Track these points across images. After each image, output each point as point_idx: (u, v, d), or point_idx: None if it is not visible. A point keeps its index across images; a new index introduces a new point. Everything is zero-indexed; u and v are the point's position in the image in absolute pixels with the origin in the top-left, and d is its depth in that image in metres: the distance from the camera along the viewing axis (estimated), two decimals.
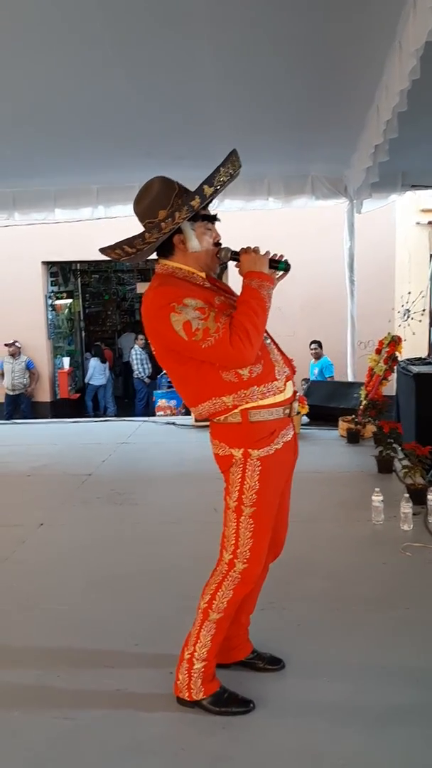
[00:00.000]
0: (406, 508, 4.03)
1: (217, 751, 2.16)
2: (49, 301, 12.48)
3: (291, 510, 4.36)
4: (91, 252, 12.38)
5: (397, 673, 2.55)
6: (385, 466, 5.32)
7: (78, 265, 14.10)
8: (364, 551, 3.80)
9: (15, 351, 11.76)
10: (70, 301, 13.84)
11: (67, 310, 13.65)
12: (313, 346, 10.21)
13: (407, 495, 4.13)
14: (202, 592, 2.31)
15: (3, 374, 11.87)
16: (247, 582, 2.26)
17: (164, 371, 2.85)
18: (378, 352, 6.65)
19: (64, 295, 13.49)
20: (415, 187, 7.99)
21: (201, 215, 2.24)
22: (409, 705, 2.37)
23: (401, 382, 7.17)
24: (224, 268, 11.09)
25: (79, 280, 14.69)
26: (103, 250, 2.31)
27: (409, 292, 11.66)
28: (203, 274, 2.28)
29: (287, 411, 2.28)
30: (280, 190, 8.19)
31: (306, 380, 9.29)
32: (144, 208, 2.22)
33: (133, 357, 12.74)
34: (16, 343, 11.79)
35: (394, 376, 6.87)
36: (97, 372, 12.91)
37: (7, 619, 3.11)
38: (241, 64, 5.34)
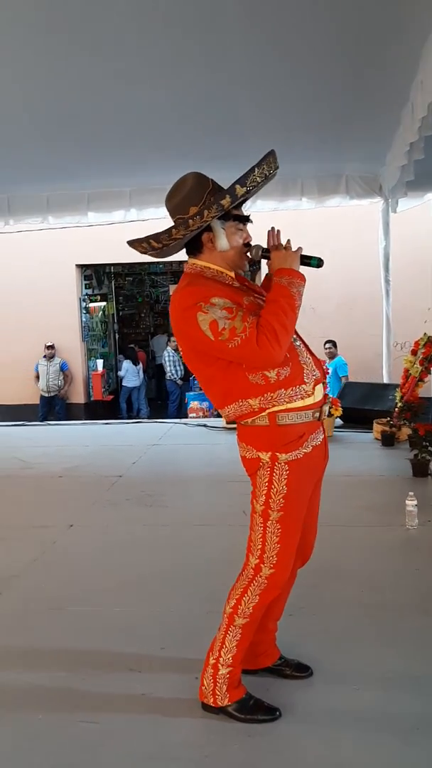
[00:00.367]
0: None
1: (241, 759, 2.12)
2: (83, 304, 12.57)
3: (322, 514, 4.28)
4: (124, 254, 12.42)
5: (429, 683, 2.47)
6: (420, 469, 5.21)
7: (112, 267, 14.18)
8: (397, 557, 3.72)
9: (50, 353, 11.90)
10: (103, 303, 13.93)
11: (101, 312, 13.74)
12: (327, 345, 10.08)
13: None
14: (228, 597, 2.27)
15: (38, 376, 12.00)
16: (274, 587, 2.22)
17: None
18: (414, 353, 6.54)
19: (98, 297, 13.58)
20: None
21: (233, 215, 2.20)
22: None
23: None
24: (257, 269, 11.04)
25: (113, 282, 14.77)
26: (130, 243, 2.28)
27: None
28: (232, 274, 2.25)
29: (317, 414, 2.22)
30: (313, 190, 8.11)
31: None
32: (176, 203, 2.19)
33: (166, 359, 12.76)
34: (53, 346, 11.94)
35: (430, 378, 6.74)
36: (129, 374, 12.96)
37: (35, 620, 3.11)
38: (272, 63, 5.30)
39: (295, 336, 2.21)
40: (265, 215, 8.83)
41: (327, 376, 8.85)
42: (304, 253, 2.25)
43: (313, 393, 2.20)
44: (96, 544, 4.09)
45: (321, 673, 2.53)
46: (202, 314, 2.08)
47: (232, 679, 2.26)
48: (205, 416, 9.87)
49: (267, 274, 2.33)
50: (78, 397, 12.53)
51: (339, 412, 6.95)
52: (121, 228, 9.86)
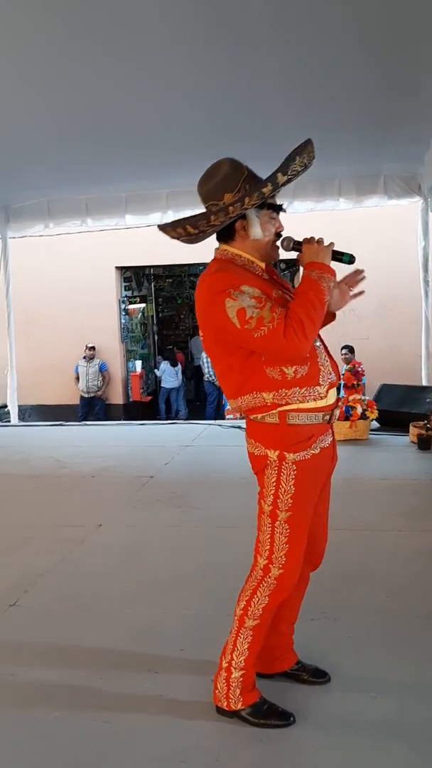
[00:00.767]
0: None
1: (252, 764, 2.10)
2: (123, 306, 12.68)
3: (350, 517, 4.25)
4: (164, 256, 12.54)
5: None
6: None
7: (152, 269, 14.28)
8: (427, 563, 3.64)
9: (90, 354, 12.05)
10: (143, 305, 14.03)
11: (140, 314, 13.84)
12: (344, 351, 9.83)
13: None
14: (237, 599, 2.26)
15: (78, 377, 12.16)
16: (283, 588, 2.20)
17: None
18: None
19: (137, 299, 13.67)
20: None
21: (267, 203, 2.18)
22: None
23: None
24: (296, 270, 10.98)
25: (152, 284, 14.86)
26: (163, 228, 2.26)
27: None
28: (263, 265, 2.23)
29: (327, 417, 2.20)
30: (351, 190, 8.04)
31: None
32: (210, 188, 2.17)
33: (204, 360, 12.77)
34: (94, 347, 12.09)
35: None
36: (168, 375, 13.02)
37: (58, 619, 3.14)
38: (306, 63, 5.26)
39: (316, 337, 2.18)
40: (302, 216, 8.79)
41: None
42: (336, 248, 2.23)
43: (326, 396, 2.18)
44: (123, 544, 4.11)
45: (338, 679, 2.49)
46: (230, 301, 2.06)
47: (245, 682, 2.24)
48: (242, 418, 9.85)
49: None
50: (117, 398, 12.64)
51: (375, 414, 6.87)
52: (156, 231, 9.97)
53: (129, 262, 12.51)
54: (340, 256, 2.24)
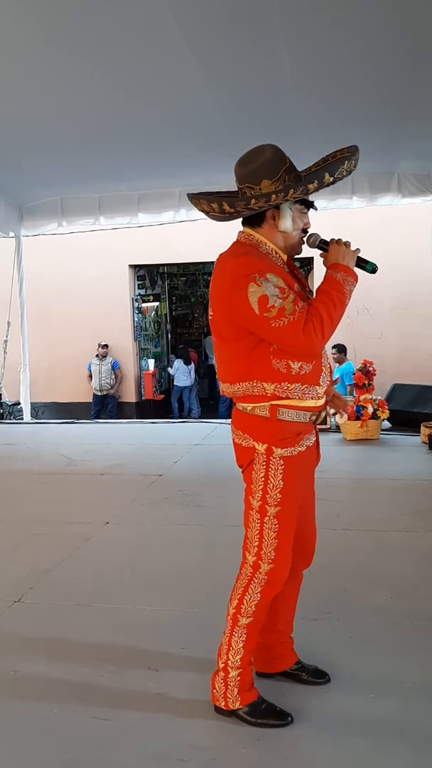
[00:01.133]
0: None
1: (248, 763, 2.09)
2: (136, 304, 12.70)
3: (359, 517, 4.23)
4: (177, 255, 12.52)
5: None
6: None
7: (165, 268, 14.29)
8: None
9: (103, 353, 12.08)
10: (156, 303, 14.04)
11: (153, 312, 13.86)
12: (333, 351, 9.71)
13: None
14: (230, 598, 2.25)
15: (91, 375, 12.20)
16: (274, 583, 2.19)
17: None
18: None
19: (151, 297, 13.69)
20: None
21: (300, 199, 2.17)
22: None
23: None
24: (310, 269, 10.93)
25: (166, 282, 14.87)
26: (194, 197, 2.25)
27: None
28: (285, 257, 2.22)
29: (313, 417, 2.22)
30: (364, 188, 7.98)
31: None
32: (249, 171, 2.16)
33: None
34: (107, 345, 12.13)
35: None
36: (181, 373, 13.03)
37: (61, 615, 3.14)
38: (321, 58, 5.24)
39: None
40: (315, 214, 8.75)
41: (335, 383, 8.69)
42: (361, 255, 2.23)
43: (321, 397, 2.21)
44: (129, 541, 4.12)
45: (339, 679, 2.48)
46: (254, 286, 2.05)
47: (242, 681, 2.23)
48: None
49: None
50: (130, 396, 12.67)
51: (386, 414, 6.83)
52: (174, 229, 9.97)
53: (143, 260, 12.53)
54: (363, 264, 2.24)
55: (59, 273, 12.01)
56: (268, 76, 5.55)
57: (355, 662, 2.61)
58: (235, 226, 2.33)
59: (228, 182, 2.42)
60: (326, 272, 2.17)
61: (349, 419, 6.70)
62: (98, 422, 9.34)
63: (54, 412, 11.86)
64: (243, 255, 2.15)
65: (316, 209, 2.26)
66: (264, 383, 2.13)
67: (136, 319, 12.68)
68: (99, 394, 12.20)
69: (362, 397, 6.77)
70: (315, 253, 2.30)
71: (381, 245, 10.77)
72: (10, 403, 10.11)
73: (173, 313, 15.43)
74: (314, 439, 2.27)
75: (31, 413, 9.78)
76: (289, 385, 2.13)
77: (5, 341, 9.52)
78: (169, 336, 15.02)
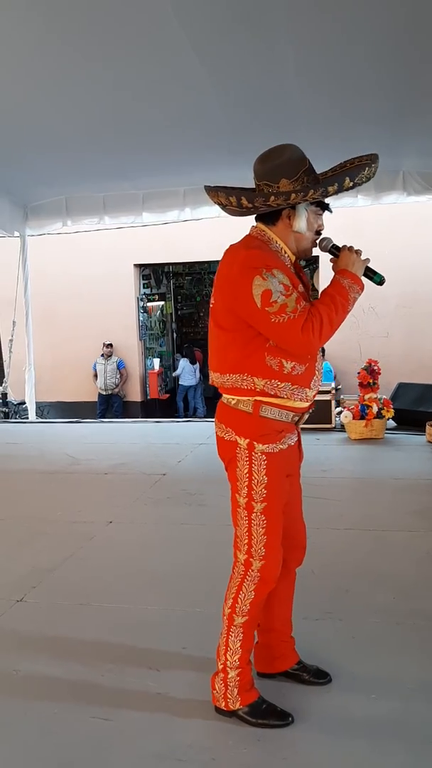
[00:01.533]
0: None
1: (248, 764, 2.08)
2: (141, 303, 12.71)
3: (362, 517, 4.22)
4: (183, 254, 12.50)
5: None
6: None
7: (171, 267, 14.29)
8: None
9: (108, 352, 12.09)
10: (161, 303, 14.04)
11: (158, 311, 13.86)
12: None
13: None
14: (224, 599, 2.25)
15: (96, 375, 12.21)
16: (267, 580, 2.19)
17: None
18: None
19: (156, 297, 13.69)
20: None
21: (317, 200, 2.17)
22: None
23: None
24: (315, 268, 10.91)
25: (171, 281, 14.87)
26: (211, 190, 2.24)
27: None
28: (293, 257, 2.23)
29: (296, 418, 2.23)
30: (369, 186, 7.91)
31: None
32: (268, 168, 2.16)
33: None
34: (112, 345, 12.14)
35: None
36: (186, 373, 13.04)
37: (63, 614, 3.14)
38: (325, 56, 5.22)
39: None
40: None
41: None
42: (370, 266, 2.24)
43: (310, 400, 2.23)
44: (132, 541, 4.11)
45: (340, 679, 2.47)
46: (260, 279, 2.06)
47: (242, 681, 2.22)
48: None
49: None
50: (135, 395, 12.67)
51: (391, 413, 6.80)
52: (179, 228, 9.96)
53: (148, 259, 12.52)
54: (371, 274, 2.25)
55: (64, 272, 12.02)
56: (272, 74, 5.53)
57: (357, 662, 2.60)
58: (243, 226, 2.33)
59: (232, 180, 2.42)
60: (334, 277, 2.18)
61: (354, 418, 6.68)
62: (103, 421, 9.34)
63: (59, 412, 11.88)
64: (254, 248, 2.16)
65: (331, 212, 2.26)
66: (255, 378, 2.14)
67: (141, 319, 12.69)
68: (104, 393, 12.21)
69: (367, 396, 6.75)
70: (320, 252, 2.30)
71: (386, 244, 10.75)
72: (15, 403, 10.13)
73: (178, 313, 15.43)
74: (296, 438, 2.28)
75: (36, 412, 9.80)
76: (279, 383, 2.13)
77: (10, 340, 9.53)
78: (175, 335, 15.02)
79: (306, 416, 2.27)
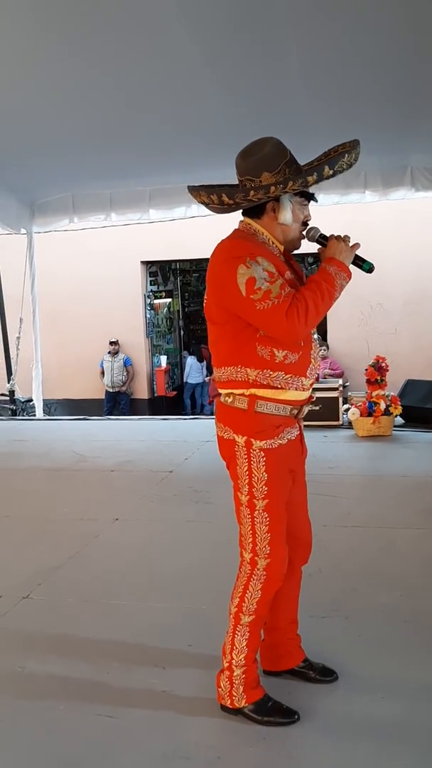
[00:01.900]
0: None
1: (253, 762, 2.07)
2: (148, 301, 12.70)
3: (369, 515, 4.20)
4: (190, 251, 12.51)
5: None
6: None
7: (178, 264, 14.26)
8: None
9: (114, 349, 12.09)
10: (168, 300, 14.03)
11: (165, 309, 13.85)
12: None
13: None
14: (231, 598, 2.24)
15: (103, 372, 12.22)
16: (274, 578, 2.18)
17: None
18: None
19: (163, 294, 13.67)
20: None
21: (301, 191, 2.17)
22: None
23: None
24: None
25: (178, 279, 14.85)
26: (194, 189, 2.25)
27: None
28: (282, 247, 2.21)
29: (295, 411, 2.20)
30: (377, 182, 7.91)
31: None
32: (249, 163, 2.15)
33: None
34: (117, 342, 12.14)
35: None
36: (193, 370, 13.03)
37: (68, 612, 3.14)
38: (331, 52, 5.20)
39: (314, 330, 2.18)
40: (328, 209, 8.69)
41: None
42: (359, 253, 2.21)
43: (307, 389, 2.20)
44: (137, 538, 4.11)
45: (346, 678, 2.45)
46: (243, 267, 2.05)
47: (248, 679, 2.21)
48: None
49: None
50: (142, 392, 12.67)
51: (399, 410, 6.77)
52: (186, 224, 9.94)
53: (155, 256, 12.51)
54: (360, 262, 2.23)
55: (71, 270, 12.02)
56: (276, 75, 5.52)
57: (363, 661, 2.58)
58: None
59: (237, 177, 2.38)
60: (321, 264, 2.17)
61: (361, 415, 6.65)
62: (110, 419, 9.34)
63: (66, 409, 11.90)
64: (236, 238, 2.17)
65: (317, 201, 2.25)
66: (247, 369, 2.13)
67: (148, 316, 12.68)
68: (111, 390, 12.21)
69: (375, 393, 6.71)
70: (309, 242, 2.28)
71: (394, 240, 10.70)
72: (22, 400, 10.14)
73: (185, 310, 15.39)
74: (297, 432, 2.25)
75: (44, 410, 9.81)
76: (271, 372, 2.12)
77: (18, 338, 9.54)
78: (182, 332, 14.99)
79: (306, 409, 2.25)
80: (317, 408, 6.82)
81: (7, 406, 10.14)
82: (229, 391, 2.18)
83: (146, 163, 7.54)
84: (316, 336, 2.22)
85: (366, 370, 6.96)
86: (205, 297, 2.25)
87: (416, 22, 4.69)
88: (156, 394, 12.88)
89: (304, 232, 2.23)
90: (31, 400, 9.82)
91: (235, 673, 2.20)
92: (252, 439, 2.13)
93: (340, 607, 3.03)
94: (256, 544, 2.16)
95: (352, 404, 6.88)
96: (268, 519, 2.15)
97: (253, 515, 2.16)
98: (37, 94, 5.81)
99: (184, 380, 13.38)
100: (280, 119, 6.16)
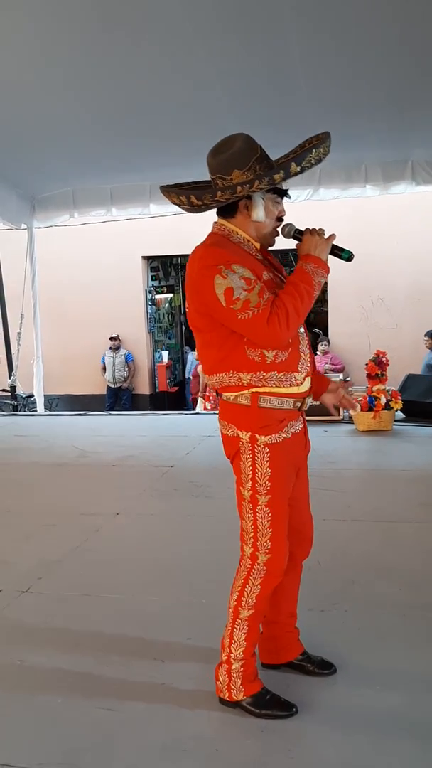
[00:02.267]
0: None
1: (251, 755, 2.07)
2: (149, 296, 12.69)
3: (370, 508, 4.20)
4: (191, 245, 12.49)
5: None
6: None
7: (179, 259, 14.24)
8: None
9: (115, 345, 12.09)
10: (170, 295, 14.02)
11: (167, 304, 13.84)
12: (426, 338, 9.69)
13: None
14: (230, 591, 2.24)
15: (105, 368, 12.22)
16: (274, 574, 2.18)
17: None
18: None
19: (164, 289, 13.67)
20: None
21: (273, 188, 2.15)
22: None
23: None
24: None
25: (180, 274, 14.83)
26: (165, 191, 2.24)
27: None
28: (258, 245, 2.20)
29: (298, 404, 2.20)
30: (377, 176, 7.90)
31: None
32: (219, 162, 2.13)
33: None
34: (118, 337, 12.14)
35: None
36: (194, 366, 13.03)
37: (68, 606, 3.14)
38: (331, 45, 5.19)
39: (299, 327, 2.17)
40: (328, 203, 8.68)
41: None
42: (336, 243, 2.20)
43: (302, 383, 2.18)
44: (138, 532, 4.11)
45: (345, 671, 2.46)
46: (220, 278, 2.04)
47: (246, 672, 2.22)
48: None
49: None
50: (144, 388, 12.69)
51: (399, 405, 6.77)
52: (187, 219, 9.93)
53: (156, 251, 12.51)
54: (339, 252, 2.22)
55: (72, 265, 12.02)
56: (278, 64, 5.50)
57: (362, 654, 2.58)
58: None
59: None
60: (297, 263, 2.15)
61: (362, 410, 6.65)
62: (111, 414, 9.34)
63: (68, 404, 11.91)
64: (210, 245, 2.14)
65: (290, 197, 2.24)
66: (240, 373, 2.12)
67: (149, 311, 12.68)
68: (113, 386, 12.23)
69: (375, 388, 6.71)
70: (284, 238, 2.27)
71: (395, 235, 10.69)
72: (24, 395, 10.16)
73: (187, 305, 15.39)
74: (301, 426, 2.25)
75: (45, 405, 9.82)
76: (264, 374, 2.11)
77: (19, 333, 9.55)
78: (183, 328, 14.98)
79: (309, 400, 2.24)
80: (318, 402, 6.82)
81: (9, 401, 10.15)
82: (230, 393, 2.17)
83: (147, 158, 7.53)
84: (302, 330, 2.21)
85: (366, 364, 6.96)
86: (186, 306, 2.24)
87: (417, 16, 4.68)
88: (158, 390, 12.89)
89: (279, 229, 2.22)
90: (32, 396, 9.83)
91: (233, 667, 2.21)
92: (256, 435, 2.12)
93: (339, 600, 3.03)
94: (257, 539, 2.16)
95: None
96: (270, 514, 2.14)
97: (256, 510, 2.15)
98: (38, 89, 5.80)
99: (186, 376, 13.37)
100: (281, 113, 6.17)
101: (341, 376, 7.59)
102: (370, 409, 6.62)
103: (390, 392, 6.74)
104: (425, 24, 4.76)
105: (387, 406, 6.65)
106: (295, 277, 2.12)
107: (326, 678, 2.42)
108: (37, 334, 9.47)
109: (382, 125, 6.80)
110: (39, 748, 2.17)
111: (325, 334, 11.13)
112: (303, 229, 2.21)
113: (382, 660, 2.55)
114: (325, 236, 2.17)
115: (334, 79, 5.73)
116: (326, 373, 9.48)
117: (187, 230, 11.26)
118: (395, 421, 6.88)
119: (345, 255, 2.22)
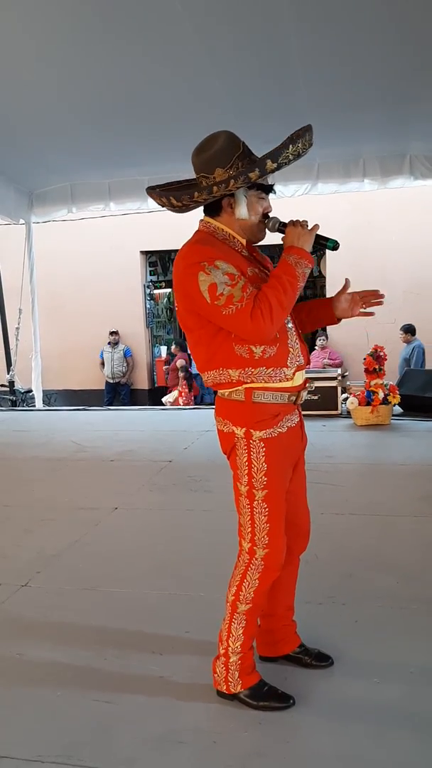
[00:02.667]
0: None
1: (249, 746, 2.08)
2: (148, 291, 12.68)
3: (367, 502, 4.20)
4: None
5: None
6: None
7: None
8: None
9: (114, 340, 12.09)
10: (168, 290, 14.01)
11: (165, 299, 13.83)
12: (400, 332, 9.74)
13: None
14: (228, 585, 2.25)
15: (104, 363, 12.22)
16: (272, 568, 2.18)
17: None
18: None
19: (163, 284, 13.66)
20: None
21: (257, 184, 2.15)
22: None
23: None
24: (323, 254, 10.83)
25: None
26: (149, 190, 2.26)
27: None
28: (243, 241, 2.20)
29: (293, 398, 2.20)
30: (376, 170, 7.91)
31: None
32: (202, 160, 2.14)
33: None
34: (118, 332, 12.13)
35: None
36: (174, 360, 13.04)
37: (67, 599, 3.16)
38: (329, 38, 5.17)
39: (288, 318, 2.18)
40: (328, 197, 8.67)
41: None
42: (320, 233, 2.19)
43: (292, 378, 2.17)
44: (137, 527, 4.13)
45: (343, 664, 2.47)
46: (203, 274, 2.04)
47: (243, 664, 2.23)
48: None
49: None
50: (142, 383, 12.69)
51: (397, 399, 6.78)
52: (185, 215, 9.92)
53: (154, 246, 12.49)
54: (324, 242, 2.21)
55: (71, 260, 12.01)
56: (276, 58, 5.49)
57: (360, 647, 2.59)
58: None
59: None
60: (281, 255, 2.15)
61: (360, 404, 6.66)
62: (110, 409, 9.36)
63: (67, 400, 11.92)
64: (195, 243, 2.15)
65: (275, 193, 2.23)
66: (228, 370, 2.12)
67: (148, 306, 12.67)
68: (111, 381, 12.23)
69: (373, 383, 6.72)
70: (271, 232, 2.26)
71: (393, 229, 10.68)
72: (22, 390, 10.16)
73: None
74: (297, 420, 2.25)
75: (44, 400, 9.83)
76: (253, 369, 2.11)
77: (17, 328, 9.55)
78: None
79: (304, 394, 2.24)
80: (316, 397, 6.84)
81: (7, 396, 10.16)
82: (224, 389, 2.18)
83: (145, 153, 7.53)
84: (290, 325, 2.21)
85: (365, 359, 6.97)
86: (176, 304, 2.25)
87: (415, 10, 4.67)
88: (156, 385, 12.88)
89: (265, 224, 2.21)
90: (30, 391, 9.84)
91: (231, 660, 2.22)
92: (251, 430, 2.13)
93: (336, 593, 3.05)
94: (254, 534, 2.16)
95: (350, 393, 6.89)
96: (267, 509, 2.15)
97: (252, 505, 2.15)
98: (36, 84, 5.79)
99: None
100: (279, 107, 6.16)
101: (339, 370, 7.59)
102: (368, 404, 6.64)
103: (388, 387, 6.75)
104: (423, 18, 4.75)
105: (385, 401, 6.67)
106: (278, 269, 2.12)
107: (323, 670, 2.43)
108: (35, 330, 9.47)
109: (380, 119, 6.79)
110: (38, 740, 2.18)
111: (324, 329, 11.12)
112: (287, 221, 2.21)
113: (379, 652, 2.56)
114: (309, 227, 2.17)
115: (333, 73, 5.72)
116: (324, 368, 9.49)
117: (186, 225, 11.23)
118: (393, 415, 6.90)
119: (330, 244, 2.22)
